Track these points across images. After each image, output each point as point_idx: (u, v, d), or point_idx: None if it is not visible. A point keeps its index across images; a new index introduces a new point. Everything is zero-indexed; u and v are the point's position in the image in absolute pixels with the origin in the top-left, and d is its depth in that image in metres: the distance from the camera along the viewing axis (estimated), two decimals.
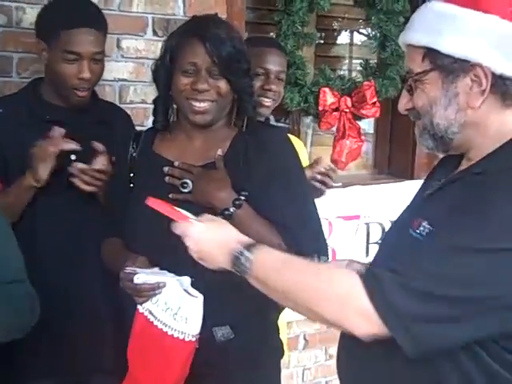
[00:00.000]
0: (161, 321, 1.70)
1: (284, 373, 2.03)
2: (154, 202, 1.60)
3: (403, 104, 1.38)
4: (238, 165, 1.82)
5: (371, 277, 1.25)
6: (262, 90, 2.37)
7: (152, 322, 1.71)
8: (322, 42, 3.31)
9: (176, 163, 1.82)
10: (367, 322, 1.24)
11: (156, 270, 1.72)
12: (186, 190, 1.79)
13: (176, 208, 1.59)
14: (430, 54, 1.29)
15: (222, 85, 1.79)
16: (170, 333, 1.68)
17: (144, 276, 1.68)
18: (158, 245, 1.72)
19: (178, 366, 1.70)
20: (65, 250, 2.12)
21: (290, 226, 1.78)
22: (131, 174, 1.90)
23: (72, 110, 2.12)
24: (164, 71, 1.85)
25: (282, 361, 2.00)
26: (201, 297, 1.67)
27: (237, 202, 1.76)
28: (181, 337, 1.68)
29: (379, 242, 3.08)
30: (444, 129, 1.32)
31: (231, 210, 1.75)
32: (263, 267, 1.37)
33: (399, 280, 1.21)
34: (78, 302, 2.13)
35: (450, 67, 1.28)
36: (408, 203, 1.54)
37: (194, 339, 1.67)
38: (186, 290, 1.67)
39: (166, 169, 1.82)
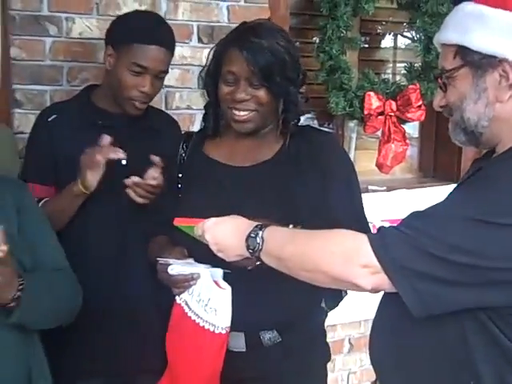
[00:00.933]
0: (194, 312, 1.72)
1: (329, 376, 2.03)
2: (179, 221, 1.66)
3: (437, 101, 1.44)
4: (290, 169, 1.83)
5: (377, 234, 1.32)
6: None
7: (187, 313, 1.73)
8: (365, 45, 3.30)
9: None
10: (373, 276, 1.30)
11: (190, 260, 1.74)
12: None
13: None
14: (461, 51, 1.36)
15: (262, 94, 1.79)
16: (201, 324, 1.71)
17: (178, 267, 1.70)
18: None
19: (209, 359, 1.71)
20: (113, 252, 2.16)
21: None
22: (179, 175, 1.93)
23: (123, 117, 2.17)
24: (210, 79, 1.88)
25: (328, 364, 2.01)
26: (229, 289, 1.68)
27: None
28: (211, 329, 1.70)
29: None
30: (474, 123, 1.37)
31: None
32: (275, 241, 1.46)
33: (403, 237, 1.27)
34: (125, 302, 2.16)
35: (478, 63, 1.34)
36: None
37: (224, 332, 1.68)
38: (215, 282, 1.69)
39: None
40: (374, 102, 2.89)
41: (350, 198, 1.87)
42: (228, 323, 1.69)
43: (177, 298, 1.76)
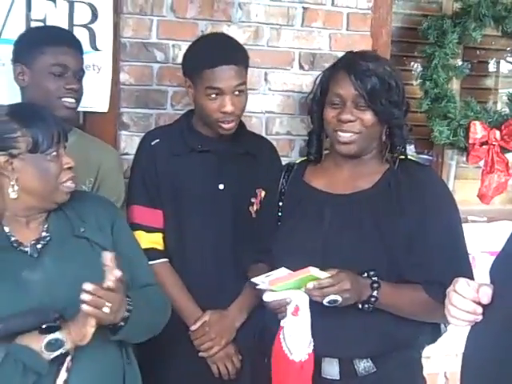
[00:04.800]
0: (284, 335, 1.73)
1: None
2: (272, 282, 1.71)
3: None
4: (390, 201, 1.83)
5: None
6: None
7: (279, 336, 1.74)
8: (469, 73, 3.24)
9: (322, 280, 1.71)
10: None
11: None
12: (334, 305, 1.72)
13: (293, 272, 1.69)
14: None
15: (368, 116, 1.81)
16: (283, 348, 1.71)
17: (272, 294, 1.72)
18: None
19: None
20: (211, 279, 2.20)
21: (442, 266, 1.78)
22: (280, 203, 1.96)
23: (221, 141, 2.21)
24: (316, 105, 1.91)
25: None
26: (304, 317, 1.68)
27: (375, 285, 1.76)
28: (288, 354, 1.70)
29: None
30: None
31: (375, 294, 1.75)
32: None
33: None
34: None
35: None
36: None
37: (297, 360, 1.68)
38: (295, 307, 1.69)
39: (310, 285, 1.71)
40: (479, 131, 2.82)
41: (448, 238, 1.84)
42: (303, 353, 1.69)
43: (282, 321, 1.76)
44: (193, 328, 2.15)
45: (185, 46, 2.51)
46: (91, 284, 1.52)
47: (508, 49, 3.23)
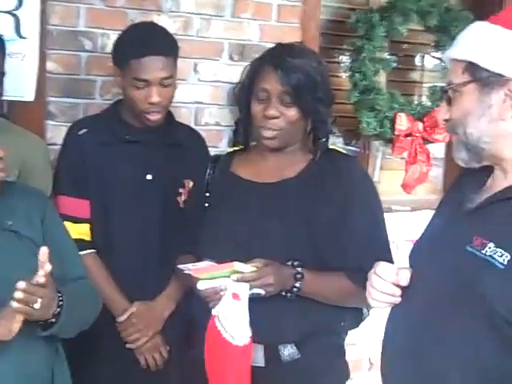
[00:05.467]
0: (221, 322, 1.74)
1: None
2: (196, 271, 1.73)
3: (442, 114, 1.46)
4: (314, 189, 1.87)
5: None
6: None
7: (216, 324, 1.76)
8: (395, 66, 3.31)
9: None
10: None
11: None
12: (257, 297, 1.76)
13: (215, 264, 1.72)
14: (470, 67, 1.39)
15: (293, 113, 1.84)
16: (223, 335, 1.73)
17: (206, 282, 1.73)
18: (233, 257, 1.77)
19: (231, 372, 1.73)
20: (138, 268, 2.20)
21: (364, 252, 1.83)
22: (207, 194, 1.98)
23: (149, 131, 2.20)
24: (243, 95, 1.92)
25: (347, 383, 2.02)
26: (245, 300, 1.70)
27: (298, 276, 1.79)
28: (230, 340, 1.72)
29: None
30: (476, 138, 1.39)
31: (298, 285, 1.79)
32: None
33: None
34: None
35: (486, 80, 1.37)
36: (440, 212, 1.58)
37: (241, 344, 1.70)
38: (234, 293, 1.71)
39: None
40: (404, 123, 2.90)
41: (370, 225, 1.90)
42: (246, 336, 1.71)
43: (213, 310, 1.78)
44: (120, 319, 2.15)
45: (114, 35, 2.49)
46: (24, 282, 1.49)
47: (432, 44, 3.31)
